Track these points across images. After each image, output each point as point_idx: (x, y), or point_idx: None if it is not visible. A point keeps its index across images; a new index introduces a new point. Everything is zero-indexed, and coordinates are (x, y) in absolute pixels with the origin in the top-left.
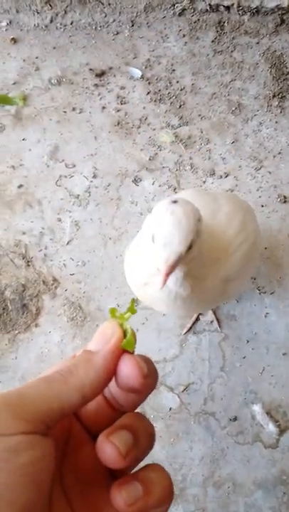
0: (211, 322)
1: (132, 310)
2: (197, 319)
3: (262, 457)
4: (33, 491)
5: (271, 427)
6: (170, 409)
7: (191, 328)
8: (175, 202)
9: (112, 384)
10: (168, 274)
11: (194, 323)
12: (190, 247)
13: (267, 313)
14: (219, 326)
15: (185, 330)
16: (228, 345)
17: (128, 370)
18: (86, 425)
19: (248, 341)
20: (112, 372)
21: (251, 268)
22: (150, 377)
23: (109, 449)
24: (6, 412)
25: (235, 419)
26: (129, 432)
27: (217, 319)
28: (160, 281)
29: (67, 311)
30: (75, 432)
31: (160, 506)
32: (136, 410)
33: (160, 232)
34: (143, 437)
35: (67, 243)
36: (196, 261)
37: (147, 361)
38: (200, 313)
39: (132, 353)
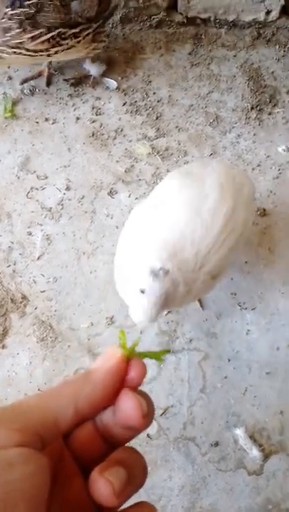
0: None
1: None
2: None
3: (246, 485)
4: (24, 508)
5: (255, 452)
6: (147, 435)
7: None
8: (142, 292)
9: (106, 415)
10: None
11: None
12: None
13: (248, 330)
14: (201, 306)
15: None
16: (208, 364)
17: (128, 408)
18: (75, 454)
19: (229, 360)
20: (110, 390)
21: (235, 253)
22: (149, 415)
23: (104, 486)
24: None
25: (216, 444)
26: (124, 468)
27: (199, 300)
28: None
29: (37, 331)
30: (65, 461)
31: None
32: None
33: (131, 314)
34: (138, 473)
35: (38, 258)
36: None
37: (146, 398)
38: None
39: (140, 358)
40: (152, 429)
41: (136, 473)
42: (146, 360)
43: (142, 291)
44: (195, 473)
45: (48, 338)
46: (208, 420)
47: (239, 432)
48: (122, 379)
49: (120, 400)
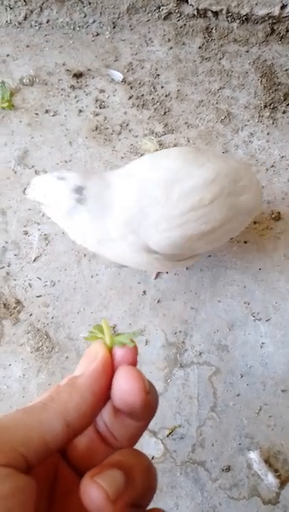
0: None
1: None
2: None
3: None
4: None
5: (270, 478)
6: (152, 458)
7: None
8: (62, 179)
9: (106, 412)
10: None
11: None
12: None
13: (263, 343)
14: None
15: (154, 275)
16: (219, 380)
17: (127, 383)
18: (76, 466)
19: (242, 376)
20: (101, 394)
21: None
22: (152, 394)
23: (95, 492)
24: None
25: (228, 469)
26: (119, 470)
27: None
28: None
29: (32, 340)
30: (62, 474)
31: None
32: None
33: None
34: (139, 476)
35: (35, 260)
36: None
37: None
38: None
39: (134, 347)
40: (157, 451)
41: (136, 475)
42: (154, 375)
43: (61, 178)
44: (204, 501)
45: (43, 348)
46: (219, 442)
47: (253, 456)
48: (111, 376)
49: (116, 377)
